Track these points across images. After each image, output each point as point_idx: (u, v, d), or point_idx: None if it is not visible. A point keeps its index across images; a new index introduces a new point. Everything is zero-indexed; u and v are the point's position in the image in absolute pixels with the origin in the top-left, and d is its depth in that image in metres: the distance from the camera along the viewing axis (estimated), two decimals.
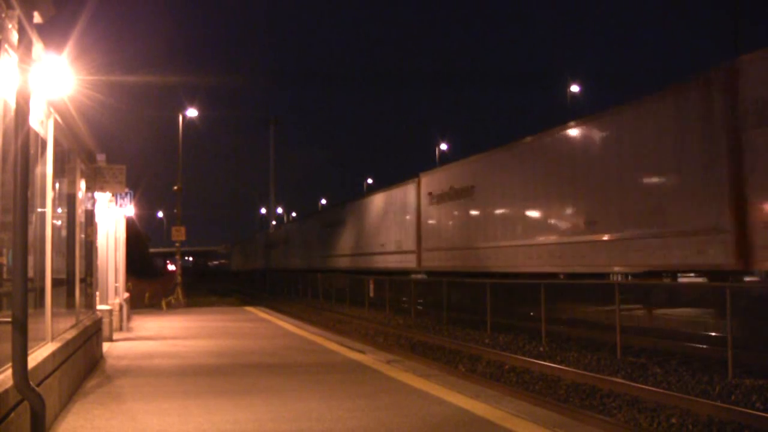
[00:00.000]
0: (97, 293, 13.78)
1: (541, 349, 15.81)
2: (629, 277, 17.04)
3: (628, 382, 11.45)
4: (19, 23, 5.62)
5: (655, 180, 15.48)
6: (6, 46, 5.65)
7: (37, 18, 5.92)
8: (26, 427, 5.57)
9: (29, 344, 5.66)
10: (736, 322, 11.70)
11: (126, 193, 17.85)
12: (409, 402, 7.95)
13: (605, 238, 16.82)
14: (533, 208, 20.32)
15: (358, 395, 8.33)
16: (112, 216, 17.54)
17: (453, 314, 22.41)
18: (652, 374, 12.20)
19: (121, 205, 18.48)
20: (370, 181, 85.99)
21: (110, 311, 15.23)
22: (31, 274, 6.26)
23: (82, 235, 10.91)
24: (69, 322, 9.35)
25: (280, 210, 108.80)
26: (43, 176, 7.54)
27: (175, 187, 35.41)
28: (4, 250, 6.13)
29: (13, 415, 5.23)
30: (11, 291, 5.54)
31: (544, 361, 14.10)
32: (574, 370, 12.89)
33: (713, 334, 15.31)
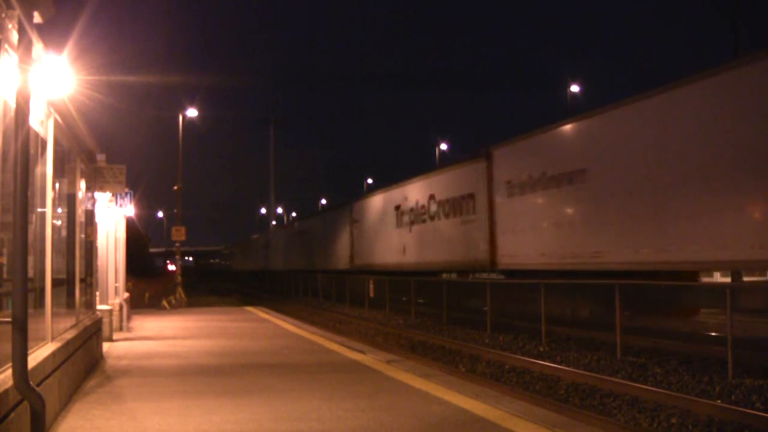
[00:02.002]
0: (97, 293, 13.78)
1: (541, 349, 15.82)
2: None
3: (628, 382, 11.46)
4: (19, 23, 5.62)
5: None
6: (6, 46, 5.65)
7: (37, 18, 5.92)
8: (26, 427, 5.57)
9: (29, 344, 5.66)
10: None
11: (126, 193, 17.85)
12: (409, 402, 7.95)
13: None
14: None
15: (359, 395, 8.34)
16: (112, 216, 17.54)
17: (453, 314, 22.46)
18: (652, 374, 12.20)
19: (121, 205, 18.49)
20: (370, 181, 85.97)
21: (110, 311, 15.23)
22: (31, 274, 6.26)
23: (82, 235, 10.92)
24: (69, 322, 9.35)
25: (280, 210, 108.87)
26: (43, 176, 7.54)
27: (175, 187, 35.45)
28: (4, 250, 6.13)
29: (13, 415, 5.23)
30: (11, 291, 5.54)
31: (544, 361, 14.11)
32: (574, 370, 12.90)
33: (713, 334, 15.34)
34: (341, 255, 37.81)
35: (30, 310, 5.72)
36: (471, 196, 22.95)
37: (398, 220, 29.48)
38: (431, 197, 26.26)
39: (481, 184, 22.08)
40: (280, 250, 57.32)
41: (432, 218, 26.12)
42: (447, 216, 24.87)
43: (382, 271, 30.53)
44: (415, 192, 27.95)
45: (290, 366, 11.15)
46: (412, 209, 28.09)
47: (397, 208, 29.50)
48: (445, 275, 25.61)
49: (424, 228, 26.87)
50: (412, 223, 28.06)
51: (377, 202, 32.99)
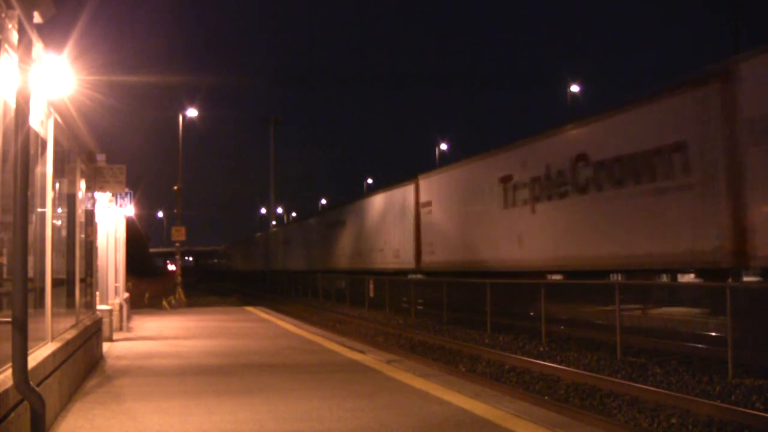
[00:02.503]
0: (97, 293, 13.78)
1: (541, 349, 15.82)
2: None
3: (628, 382, 11.46)
4: (19, 23, 5.62)
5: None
6: (6, 46, 5.65)
7: (37, 18, 5.92)
8: (26, 427, 5.57)
9: (29, 344, 5.66)
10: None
11: (126, 193, 17.86)
12: (409, 402, 7.95)
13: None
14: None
15: (359, 395, 8.34)
16: (112, 216, 17.54)
17: (454, 314, 22.45)
18: (652, 374, 12.20)
19: (121, 205, 18.48)
20: (370, 181, 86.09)
21: (110, 311, 15.23)
22: (31, 274, 6.26)
23: (82, 235, 10.92)
24: (69, 322, 9.35)
25: (280, 210, 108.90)
26: (43, 176, 7.54)
27: (175, 187, 35.47)
28: (4, 250, 6.13)
29: (13, 415, 5.23)
30: (11, 291, 5.54)
31: (544, 361, 14.11)
32: (574, 370, 12.90)
33: (714, 334, 15.33)
34: (400, 251, 29.00)
35: (30, 310, 5.72)
36: (678, 149, 14.43)
37: (507, 197, 20.92)
38: (580, 158, 17.64)
39: (706, 126, 13.82)
40: (295, 247, 49.56)
41: (582, 190, 17.56)
42: (619, 184, 16.24)
43: (475, 271, 22.47)
44: (544, 154, 19.36)
45: (291, 366, 11.15)
46: (536, 179, 19.52)
47: (506, 180, 21.07)
48: (612, 277, 18.12)
49: (566, 206, 18.21)
50: (536, 199, 19.48)
51: (464, 175, 24.06)
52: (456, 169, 25.15)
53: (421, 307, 26.22)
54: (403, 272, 28.53)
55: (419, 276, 27.88)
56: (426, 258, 26.81)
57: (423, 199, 27.32)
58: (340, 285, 36.20)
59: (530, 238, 19.81)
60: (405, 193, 29.12)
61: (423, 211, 27.23)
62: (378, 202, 32.87)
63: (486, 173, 22.45)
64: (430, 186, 26.88)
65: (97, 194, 13.40)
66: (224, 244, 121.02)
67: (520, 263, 20.34)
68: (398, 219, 29.67)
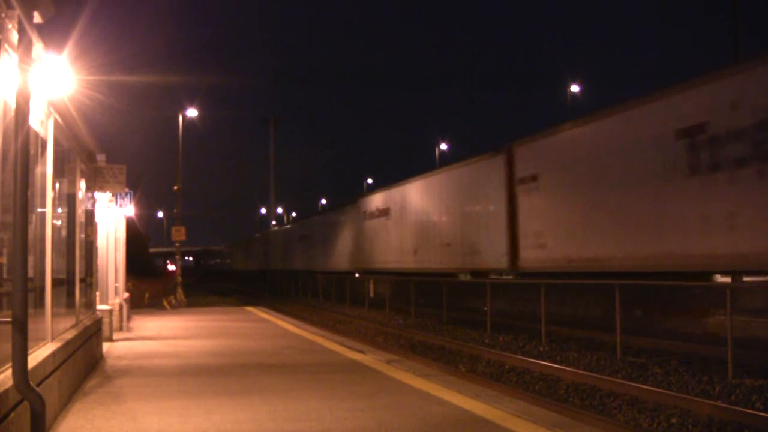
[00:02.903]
0: (97, 293, 13.78)
1: (541, 349, 15.82)
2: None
3: (628, 382, 11.46)
4: (19, 23, 5.62)
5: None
6: (6, 46, 5.65)
7: (37, 18, 5.92)
8: (26, 427, 5.57)
9: (29, 344, 5.66)
10: None
11: (126, 193, 17.86)
12: (409, 402, 7.95)
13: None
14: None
15: (358, 395, 8.34)
16: (112, 216, 17.54)
17: (453, 314, 22.45)
18: (652, 374, 12.20)
19: (121, 205, 18.49)
20: (370, 181, 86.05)
21: (110, 311, 15.23)
22: (31, 274, 6.26)
23: (82, 235, 10.92)
24: (69, 322, 9.35)
25: (280, 210, 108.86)
26: (43, 176, 7.54)
27: (175, 187, 35.49)
28: (4, 250, 6.13)
29: (13, 415, 5.23)
30: (11, 291, 5.54)
31: (544, 361, 14.11)
32: (574, 370, 12.90)
33: (713, 333, 15.32)
34: (480, 244, 22.38)
35: (30, 310, 5.72)
36: None
37: (698, 158, 13.92)
38: None
39: None
40: (314, 245, 42.71)
41: None
42: None
43: (626, 273, 15.64)
44: None
45: (290, 366, 11.15)
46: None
47: (693, 132, 14.00)
48: None
49: None
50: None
51: (600, 133, 16.84)
52: (585, 126, 17.56)
53: (422, 301, 25.59)
54: (485, 272, 22.23)
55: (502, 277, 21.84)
56: (528, 253, 19.71)
57: (521, 173, 20.14)
58: (382, 290, 28.89)
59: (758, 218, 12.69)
60: (489, 169, 22.00)
61: (521, 189, 20.15)
62: (437, 183, 25.98)
63: (646, 126, 15.29)
64: (535, 155, 19.71)
65: (97, 194, 13.40)
66: (224, 244, 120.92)
67: (737, 260, 13.31)
68: (476, 203, 23.04)
